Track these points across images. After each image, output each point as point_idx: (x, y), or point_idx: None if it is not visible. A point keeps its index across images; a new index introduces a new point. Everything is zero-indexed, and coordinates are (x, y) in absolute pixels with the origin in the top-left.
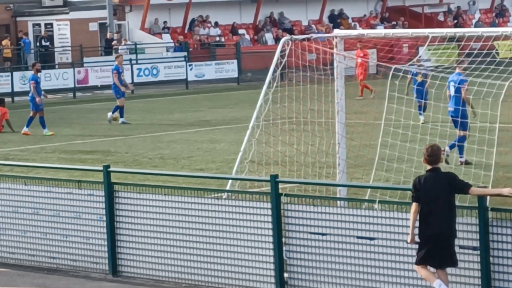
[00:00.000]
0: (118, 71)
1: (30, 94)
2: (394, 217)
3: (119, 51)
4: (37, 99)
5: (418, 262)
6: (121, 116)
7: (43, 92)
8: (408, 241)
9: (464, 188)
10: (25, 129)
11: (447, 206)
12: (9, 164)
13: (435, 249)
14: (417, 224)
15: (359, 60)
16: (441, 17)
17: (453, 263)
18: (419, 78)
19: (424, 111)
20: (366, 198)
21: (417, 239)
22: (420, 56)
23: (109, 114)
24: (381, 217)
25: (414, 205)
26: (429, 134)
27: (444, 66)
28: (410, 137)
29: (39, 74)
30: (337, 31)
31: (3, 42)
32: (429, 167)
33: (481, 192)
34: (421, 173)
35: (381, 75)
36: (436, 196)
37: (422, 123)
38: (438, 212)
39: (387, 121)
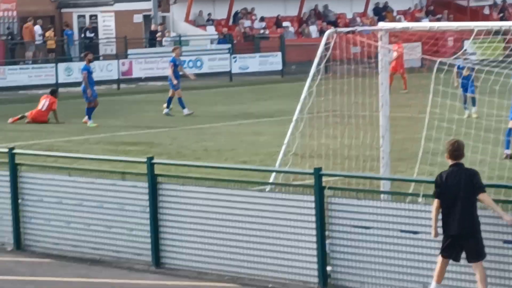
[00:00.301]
0: (174, 63)
1: (82, 85)
2: None
3: (163, 43)
4: (88, 91)
5: (440, 252)
6: (167, 107)
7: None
8: (432, 236)
9: (478, 190)
10: (85, 119)
11: (469, 203)
12: (53, 155)
13: (457, 245)
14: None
15: (395, 54)
16: (486, 11)
17: (479, 256)
18: (466, 72)
19: (474, 105)
20: (410, 191)
21: (440, 231)
22: (465, 50)
23: (185, 110)
24: (424, 211)
25: (435, 202)
26: (474, 128)
27: (490, 60)
28: (454, 131)
29: (91, 64)
30: (382, 24)
31: (47, 34)
32: (451, 162)
33: (489, 203)
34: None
35: (426, 68)
36: (458, 192)
37: (467, 117)
38: (461, 208)
39: (432, 114)
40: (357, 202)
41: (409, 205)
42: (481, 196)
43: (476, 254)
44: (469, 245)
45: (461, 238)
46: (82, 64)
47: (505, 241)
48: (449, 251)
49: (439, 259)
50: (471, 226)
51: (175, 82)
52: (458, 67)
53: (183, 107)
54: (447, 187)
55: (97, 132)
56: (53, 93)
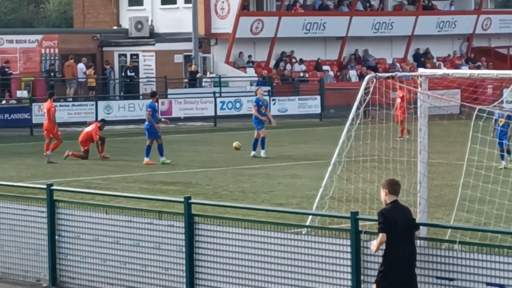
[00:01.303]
0: (258, 104)
1: (146, 123)
2: (474, 258)
3: (203, 83)
4: (156, 126)
5: (378, 282)
6: (254, 149)
7: (162, 119)
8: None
9: (417, 226)
10: (146, 160)
11: (412, 237)
12: (91, 192)
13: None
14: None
15: (399, 100)
16: None
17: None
18: (501, 122)
19: (509, 153)
20: (446, 238)
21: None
22: (502, 99)
23: (262, 151)
24: (461, 258)
25: (383, 236)
26: None
27: None
28: (492, 178)
29: (156, 103)
30: (421, 70)
31: (88, 72)
32: (392, 198)
33: (417, 239)
34: (502, 215)
35: (465, 116)
36: (402, 227)
37: (502, 168)
38: (407, 243)
39: (470, 161)
40: None
41: (445, 251)
42: (417, 233)
43: (415, 283)
44: (412, 276)
45: (407, 272)
46: (123, 102)
47: (437, 277)
48: (390, 283)
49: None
50: (415, 259)
51: (263, 118)
52: (495, 117)
53: (262, 148)
54: (394, 222)
55: (135, 170)
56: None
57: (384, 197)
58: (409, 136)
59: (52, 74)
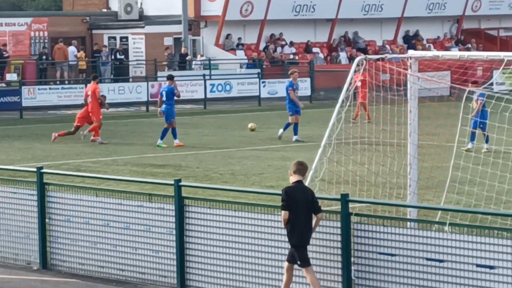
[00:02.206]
0: (292, 87)
1: (164, 106)
2: (464, 240)
3: (193, 66)
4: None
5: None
6: (295, 134)
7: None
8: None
9: (319, 209)
10: (176, 141)
11: (309, 217)
12: (81, 175)
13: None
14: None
15: (359, 84)
16: None
17: (308, 262)
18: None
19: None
20: (437, 220)
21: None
22: (494, 80)
23: (280, 130)
24: (451, 240)
25: (286, 213)
26: (502, 158)
27: None
28: (482, 160)
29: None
30: (411, 52)
31: (78, 55)
32: (297, 178)
33: (317, 224)
34: (492, 197)
35: (455, 97)
36: (303, 207)
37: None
38: (303, 221)
39: (460, 143)
40: (383, 229)
41: (435, 233)
42: (320, 215)
43: (306, 260)
44: (303, 253)
45: (301, 247)
46: (113, 85)
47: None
48: (293, 258)
49: (286, 265)
50: (309, 237)
51: (301, 105)
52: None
53: (295, 133)
54: (295, 201)
55: (124, 153)
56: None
57: (290, 177)
58: (366, 122)
59: (44, 57)
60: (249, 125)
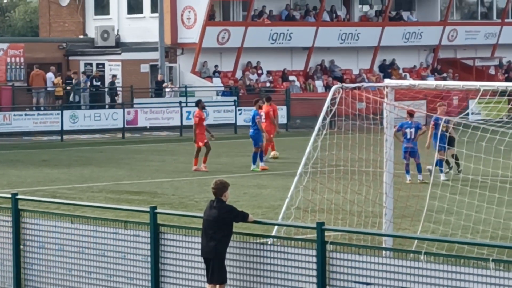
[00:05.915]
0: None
1: (251, 130)
2: (440, 269)
3: (167, 93)
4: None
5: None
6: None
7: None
8: None
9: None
10: (261, 164)
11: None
12: (56, 201)
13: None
14: None
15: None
16: (492, 71)
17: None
18: (444, 127)
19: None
20: (413, 249)
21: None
22: (470, 110)
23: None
24: (426, 269)
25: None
26: (479, 188)
27: (495, 120)
28: (459, 189)
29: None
30: (388, 81)
31: (55, 81)
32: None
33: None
34: (469, 226)
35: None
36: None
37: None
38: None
39: (437, 172)
40: (359, 258)
41: (411, 262)
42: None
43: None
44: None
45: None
46: (89, 111)
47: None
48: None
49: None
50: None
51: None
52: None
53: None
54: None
55: (100, 180)
56: (197, 104)
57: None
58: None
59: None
60: (272, 153)
